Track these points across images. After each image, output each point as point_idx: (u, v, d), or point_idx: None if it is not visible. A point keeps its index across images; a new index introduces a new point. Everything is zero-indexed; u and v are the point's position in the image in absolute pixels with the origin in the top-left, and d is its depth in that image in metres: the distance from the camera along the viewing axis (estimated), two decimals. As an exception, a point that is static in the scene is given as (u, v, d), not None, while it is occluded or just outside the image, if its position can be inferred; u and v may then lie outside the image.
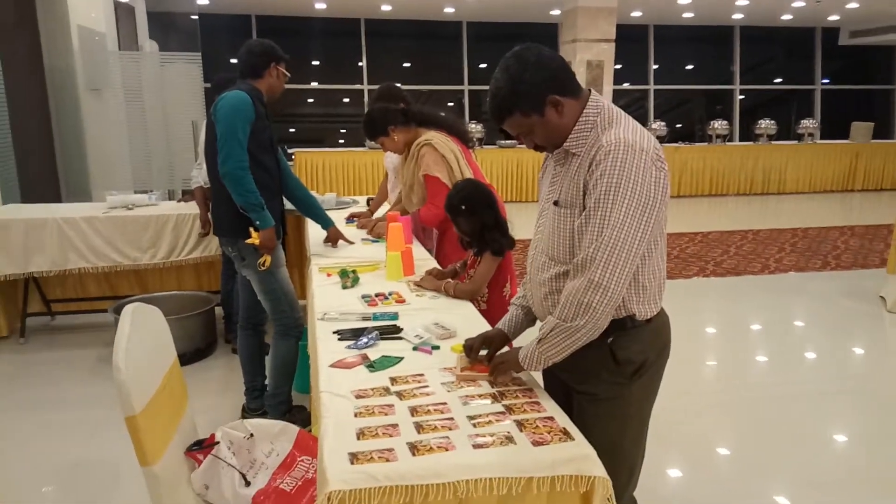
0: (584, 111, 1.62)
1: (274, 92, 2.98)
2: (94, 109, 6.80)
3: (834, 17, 11.97)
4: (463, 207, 2.54)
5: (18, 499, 2.69)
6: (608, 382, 1.68)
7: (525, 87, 1.57)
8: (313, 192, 4.69)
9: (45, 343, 4.43)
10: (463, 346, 1.84)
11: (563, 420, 1.55)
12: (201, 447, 1.86)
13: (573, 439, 1.47)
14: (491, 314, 2.45)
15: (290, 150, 9.44)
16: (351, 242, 3.38)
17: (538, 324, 1.74)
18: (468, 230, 2.58)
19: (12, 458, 3.01)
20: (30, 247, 4.18)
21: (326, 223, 3.36)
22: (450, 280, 2.55)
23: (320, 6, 10.75)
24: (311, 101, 13.31)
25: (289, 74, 3.01)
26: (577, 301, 1.54)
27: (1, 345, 4.33)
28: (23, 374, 3.96)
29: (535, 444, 1.44)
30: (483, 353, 1.81)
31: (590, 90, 1.65)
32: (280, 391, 3.13)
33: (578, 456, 1.42)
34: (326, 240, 3.36)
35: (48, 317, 4.65)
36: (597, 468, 1.42)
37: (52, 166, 6.39)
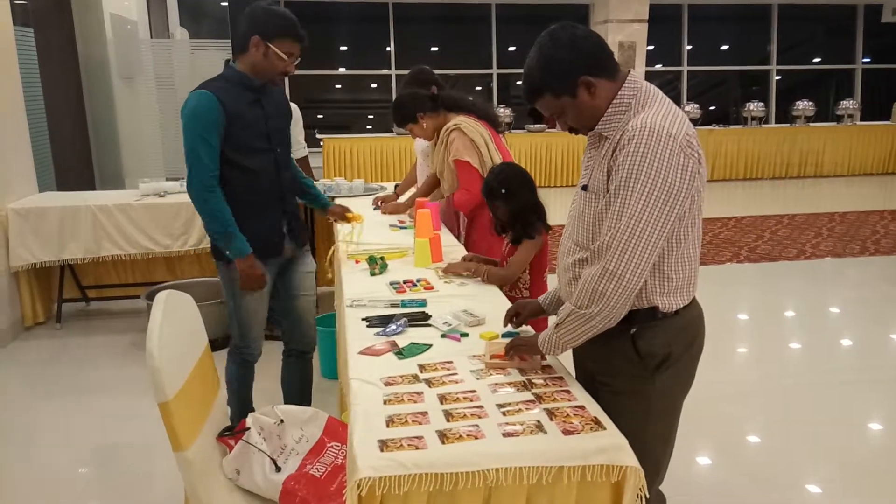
0: (620, 93, 1.56)
1: (260, 74, 2.40)
2: (127, 97, 6.90)
3: (876, -6, 11.56)
4: (503, 191, 2.50)
5: (56, 479, 2.76)
6: (630, 375, 1.64)
7: (556, 68, 1.53)
8: (340, 179, 4.72)
9: (81, 328, 4.52)
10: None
11: (594, 409, 1.52)
12: (233, 433, 1.88)
13: (605, 428, 1.45)
14: None
15: (318, 137, 9.46)
16: (351, 219, 3.03)
17: None
18: (506, 214, 2.54)
19: (50, 440, 3.08)
20: (64, 234, 4.27)
21: (325, 203, 3.02)
22: (488, 266, 2.50)
23: (348, -9, 10.72)
24: (338, 86, 13.32)
25: (286, 57, 2.39)
26: (592, 288, 1.52)
27: (38, 330, 4.43)
28: (59, 358, 4.05)
29: (566, 433, 1.42)
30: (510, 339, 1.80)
31: (629, 70, 1.60)
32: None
33: (610, 446, 1.40)
34: (332, 216, 3.03)
35: (83, 302, 4.75)
36: (629, 458, 1.39)
37: (86, 154, 6.50)
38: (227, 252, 2.43)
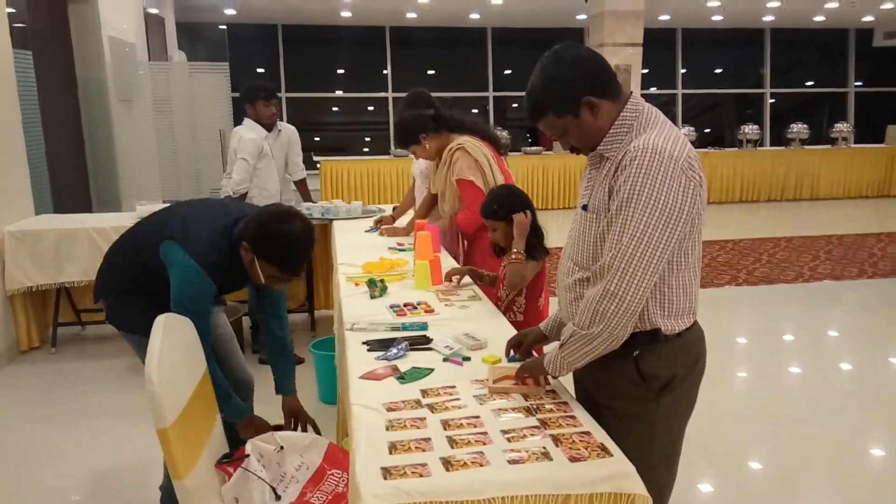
0: (622, 114, 1.57)
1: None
2: (125, 120, 6.91)
3: (868, 18, 11.73)
4: (500, 212, 2.50)
5: (50, 507, 2.71)
6: (634, 398, 1.63)
7: (559, 88, 1.53)
8: (338, 201, 4.71)
9: (76, 353, 4.47)
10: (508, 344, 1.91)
11: (600, 435, 1.50)
12: (231, 460, 1.84)
13: (612, 455, 1.42)
14: (526, 326, 2.40)
15: (315, 159, 9.49)
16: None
17: None
18: (505, 236, 2.53)
19: (43, 467, 3.03)
20: (61, 257, 4.24)
21: (284, 389, 2.44)
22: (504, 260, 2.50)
23: (346, 14, 10.83)
24: (335, 109, 13.41)
25: (264, 279, 2.11)
26: (593, 309, 1.51)
27: (32, 355, 4.38)
28: (53, 383, 4.00)
29: (573, 459, 1.40)
30: (516, 364, 1.78)
31: (631, 92, 1.60)
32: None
33: (618, 473, 1.38)
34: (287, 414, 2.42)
35: (79, 326, 4.70)
36: (637, 486, 1.37)
37: (83, 177, 6.49)
38: (221, 413, 2.11)
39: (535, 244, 2.52)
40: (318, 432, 2.26)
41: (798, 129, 10.72)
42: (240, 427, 2.19)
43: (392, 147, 10.28)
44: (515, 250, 2.45)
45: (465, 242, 3.32)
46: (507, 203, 2.52)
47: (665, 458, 1.69)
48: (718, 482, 2.88)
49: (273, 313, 2.41)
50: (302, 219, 2.06)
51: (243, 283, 2.29)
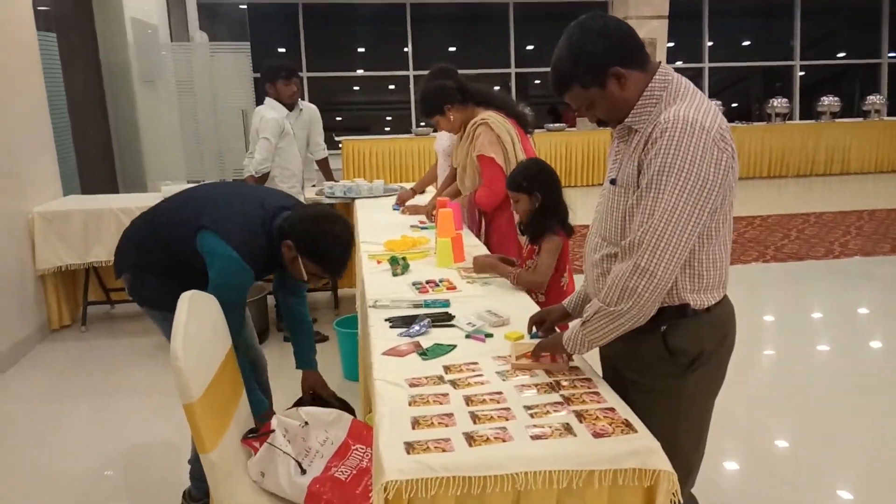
0: (650, 85, 1.53)
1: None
2: (148, 101, 6.96)
3: (902, -14, 11.34)
4: (526, 186, 2.47)
5: (82, 481, 2.78)
6: (661, 374, 1.60)
7: (586, 59, 1.50)
8: (360, 180, 4.71)
9: (105, 331, 4.56)
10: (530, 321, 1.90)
11: (624, 411, 1.49)
12: (257, 435, 1.87)
13: (636, 431, 1.41)
14: (548, 306, 2.38)
15: (336, 139, 9.49)
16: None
17: None
18: (528, 210, 2.50)
19: (75, 443, 3.10)
20: (89, 237, 4.31)
21: (304, 363, 2.49)
22: (516, 269, 2.46)
23: (366, -8, 10.74)
24: (356, 88, 13.36)
25: (306, 276, 2.17)
26: (622, 285, 1.48)
27: (63, 333, 4.48)
28: (84, 360, 4.08)
29: (596, 435, 1.39)
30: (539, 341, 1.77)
31: (660, 62, 1.56)
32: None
33: (642, 449, 1.36)
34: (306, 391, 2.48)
35: (108, 305, 4.79)
36: (662, 462, 1.36)
37: (109, 158, 6.57)
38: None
39: (554, 220, 2.49)
40: (344, 406, 2.28)
41: (829, 101, 10.46)
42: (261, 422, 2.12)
43: (413, 126, 10.23)
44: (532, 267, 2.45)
45: (485, 220, 3.29)
46: (535, 178, 2.49)
47: (692, 435, 1.67)
48: (744, 460, 2.85)
49: (295, 292, 2.47)
50: (344, 221, 2.14)
51: (273, 271, 2.33)
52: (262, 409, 2.24)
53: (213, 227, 2.09)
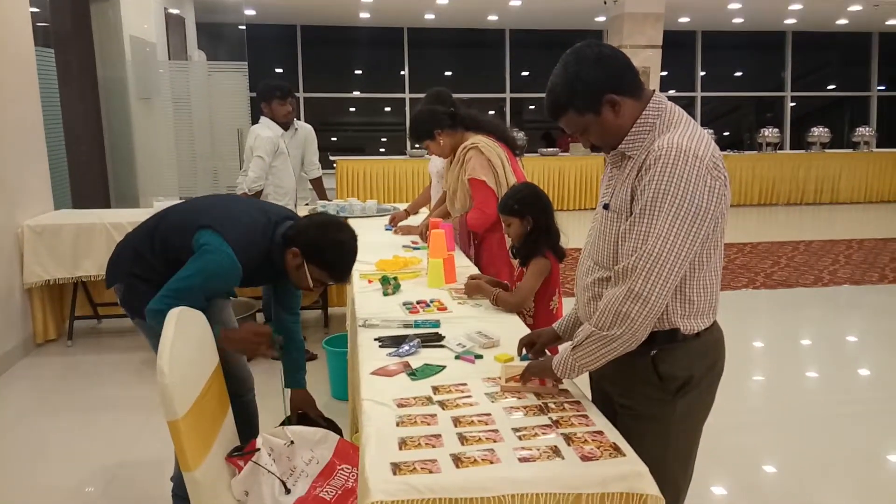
0: (645, 112, 1.54)
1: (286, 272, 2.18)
2: (144, 118, 6.98)
3: (892, 22, 11.56)
4: (518, 210, 2.48)
5: (64, 497, 2.73)
6: (650, 398, 1.60)
7: (581, 85, 1.51)
8: (353, 199, 4.72)
9: (92, 346, 4.51)
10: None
11: (612, 435, 1.48)
12: (242, 453, 1.84)
13: (624, 455, 1.40)
14: (537, 328, 2.38)
15: (332, 158, 9.52)
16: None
17: None
18: (519, 234, 2.51)
19: (58, 459, 3.05)
20: (79, 251, 4.28)
21: (294, 382, 2.43)
22: (500, 291, 2.47)
23: (364, 15, 10.86)
24: (352, 109, 13.45)
25: (312, 283, 2.16)
26: (616, 310, 1.48)
27: (49, 347, 4.43)
28: (69, 376, 4.03)
29: (584, 458, 1.38)
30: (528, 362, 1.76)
31: (654, 90, 1.58)
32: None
33: (630, 473, 1.36)
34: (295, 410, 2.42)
35: (95, 320, 4.74)
36: (650, 486, 1.35)
37: (102, 173, 6.56)
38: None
39: (544, 244, 2.50)
40: (332, 426, 2.26)
41: (819, 132, 10.60)
42: (223, 341, 2.09)
43: (408, 147, 10.29)
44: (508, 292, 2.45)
45: (476, 241, 3.30)
46: (526, 201, 2.50)
47: (681, 460, 1.66)
48: (733, 485, 2.84)
49: (289, 309, 2.44)
50: (350, 229, 2.15)
51: (264, 281, 2.31)
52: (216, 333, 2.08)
53: (213, 226, 2.09)
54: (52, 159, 4.84)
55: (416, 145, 3.72)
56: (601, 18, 10.61)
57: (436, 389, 1.71)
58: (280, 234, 2.14)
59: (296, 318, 2.46)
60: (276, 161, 4.25)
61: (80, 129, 6.10)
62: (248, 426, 2.38)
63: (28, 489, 2.81)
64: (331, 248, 2.08)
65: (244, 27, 10.60)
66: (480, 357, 1.93)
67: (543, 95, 1.60)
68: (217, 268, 2.05)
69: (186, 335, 1.76)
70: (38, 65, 4.66)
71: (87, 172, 6.22)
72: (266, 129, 4.28)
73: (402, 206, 4.69)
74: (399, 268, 2.98)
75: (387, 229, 4.01)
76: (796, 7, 10.23)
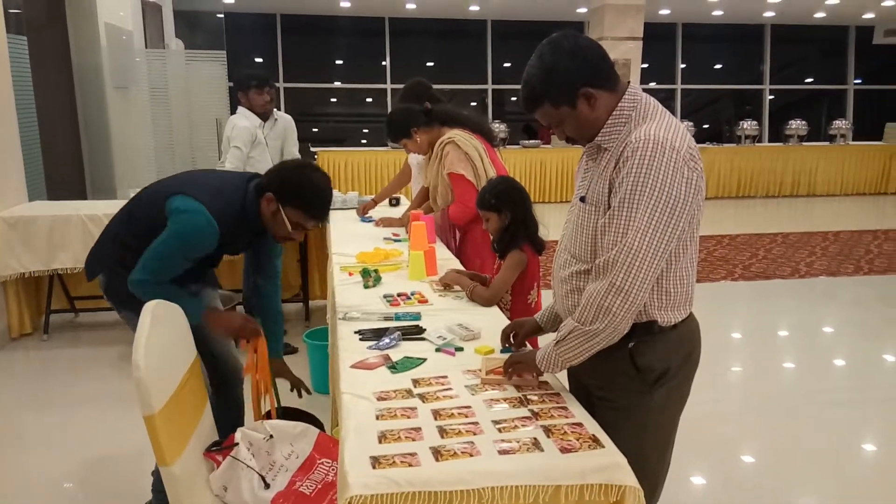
0: (620, 104, 1.54)
1: (265, 224, 2.16)
2: (120, 107, 6.86)
3: (869, 15, 11.71)
4: (496, 204, 2.48)
5: (42, 492, 2.69)
6: (628, 390, 1.62)
7: (557, 77, 1.51)
8: (334, 191, 4.68)
9: (68, 340, 4.45)
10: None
11: (592, 426, 1.49)
12: (220, 448, 1.83)
13: (603, 447, 1.41)
14: None
15: (312, 150, 9.45)
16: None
17: None
18: (498, 228, 2.51)
19: (34, 454, 3.01)
20: (54, 243, 4.21)
21: (275, 351, 2.42)
22: (476, 284, 2.47)
23: (345, 5, 10.77)
24: (333, 100, 13.35)
25: (290, 227, 2.14)
26: (597, 304, 1.49)
27: (24, 341, 4.36)
28: (45, 370, 3.98)
29: (564, 450, 1.39)
30: (508, 354, 1.77)
31: (629, 82, 1.58)
32: None
33: (609, 464, 1.37)
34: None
35: (71, 314, 4.67)
36: (628, 477, 1.36)
37: (78, 164, 6.45)
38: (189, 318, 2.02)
39: (522, 237, 2.50)
40: (312, 420, 2.24)
41: (797, 125, 10.71)
42: (207, 319, 2.12)
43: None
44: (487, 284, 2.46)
45: (458, 234, 3.31)
46: (503, 196, 2.50)
47: (658, 450, 1.68)
48: (711, 475, 2.87)
49: (268, 275, 2.44)
50: (319, 168, 2.21)
51: (242, 245, 2.33)
52: (199, 309, 2.12)
53: (184, 190, 2.09)
54: (25, 150, 4.75)
55: (394, 144, 3.71)
56: (582, 10, 10.62)
57: (416, 382, 1.71)
58: (252, 186, 2.15)
59: (275, 284, 2.46)
60: (253, 151, 4.20)
61: (55, 120, 5.98)
62: (236, 421, 2.38)
63: (5, 485, 2.77)
64: (305, 186, 2.09)
65: (222, 15, 10.45)
66: (461, 349, 1.93)
67: (522, 86, 1.59)
68: (192, 228, 2.05)
69: (162, 328, 1.74)
70: (11, 53, 4.56)
71: (63, 163, 6.11)
72: (243, 119, 4.24)
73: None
74: (380, 260, 2.97)
75: (363, 221, 4.00)
76: (775, 0, 10.32)
